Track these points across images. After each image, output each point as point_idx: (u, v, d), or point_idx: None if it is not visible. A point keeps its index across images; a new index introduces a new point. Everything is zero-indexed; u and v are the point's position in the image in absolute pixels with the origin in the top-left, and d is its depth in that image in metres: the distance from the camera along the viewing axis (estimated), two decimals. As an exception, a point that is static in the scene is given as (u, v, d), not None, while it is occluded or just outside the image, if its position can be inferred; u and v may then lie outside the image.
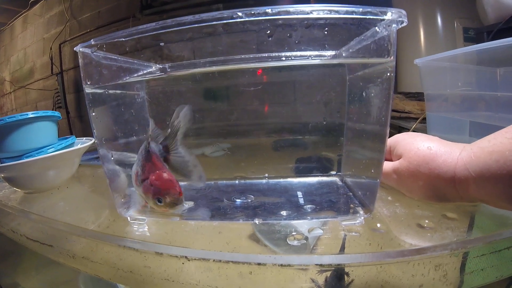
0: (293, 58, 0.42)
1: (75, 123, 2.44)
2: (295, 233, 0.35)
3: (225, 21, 0.30)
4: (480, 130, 0.65)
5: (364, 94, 0.41)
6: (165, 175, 0.35)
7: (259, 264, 0.30)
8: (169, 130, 0.38)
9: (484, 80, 0.66)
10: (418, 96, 1.06)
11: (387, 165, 0.40)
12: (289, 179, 0.50)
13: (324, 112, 0.48)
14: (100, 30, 2.07)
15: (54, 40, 2.41)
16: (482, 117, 0.66)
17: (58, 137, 0.63)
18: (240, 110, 0.51)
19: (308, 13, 0.31)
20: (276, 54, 0.43)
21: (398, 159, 0.40)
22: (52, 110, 2.40)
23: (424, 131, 0.83)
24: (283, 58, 0.42)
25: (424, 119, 0.85)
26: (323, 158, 0.50)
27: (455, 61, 0.70)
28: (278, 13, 0.30)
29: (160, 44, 0.40)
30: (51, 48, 2.43)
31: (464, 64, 0.70)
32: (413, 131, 0.87)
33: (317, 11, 0.30)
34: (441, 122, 0.78)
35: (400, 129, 0.97)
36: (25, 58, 2.75)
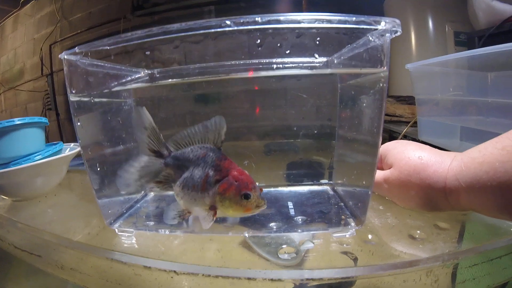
0: (284, 66, 0.42)
1: (65, 125, 2.40)
2: (285, 245, 0.34)
3: (213, 30, 0.30)
4: (471, 135, 0.65)
5: (355, 103, 0.41)
6: (245, 171, 0.33)
7: (248, 278, 0.29)
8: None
9: (474, 85, 0.66)
10: (409, 100, 1.06)
11: (378, 174, 0.40)
12: (280, 188, 0.49)
13: (315, 120, 0.48)
14: (91, 31, 2.03)
15: (45, 40, 2.37)
16: (473, 122, 0.66)
17: (48, 140, 0.62)
18: (231, 114, 0.50)
19: (299, 22, 0.30)
20: (267, 60, 0.43)
21: (389, 168, 0.39)
22: (42, 112, 2.37)
23: (415, 135, 0.83)
24: (274, 66, 0.42)
25: (415, 123, 0.86)
26: (315, 162, 0.50)
27: (446, 66, 0.71)
28: (268, 22, 0.29)
29: (146, 53, 0.39)
30: (41, 49, 2.39)
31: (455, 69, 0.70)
32: (404, 135, 0.87)
33: (309, 21, 0.30)
34: (432, 127, 0.78)
35: (391, 133, 0.97)
36: (15, 59, 2.69)
